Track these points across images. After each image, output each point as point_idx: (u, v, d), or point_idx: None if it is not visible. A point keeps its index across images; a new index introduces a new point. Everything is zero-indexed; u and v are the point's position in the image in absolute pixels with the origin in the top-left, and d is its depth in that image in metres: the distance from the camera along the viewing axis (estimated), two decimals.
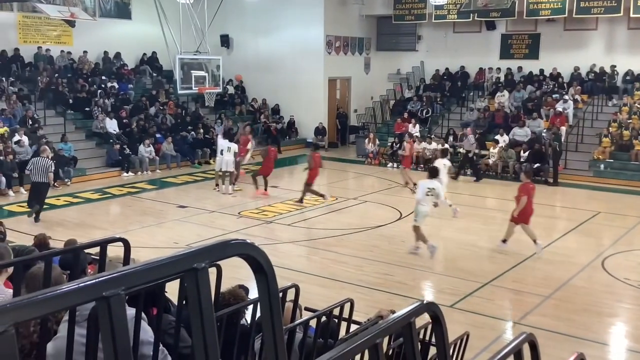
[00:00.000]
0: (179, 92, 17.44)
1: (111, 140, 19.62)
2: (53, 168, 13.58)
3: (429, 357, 4.86)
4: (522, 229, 11.38)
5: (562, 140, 19.77)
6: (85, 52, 22.58)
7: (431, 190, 11.03)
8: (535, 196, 11.43)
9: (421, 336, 4.72)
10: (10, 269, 3.52)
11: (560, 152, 18.80)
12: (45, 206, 13.76)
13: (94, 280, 1.16)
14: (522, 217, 11.26)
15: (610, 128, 19.78)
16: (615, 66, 21.83)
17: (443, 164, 14.22)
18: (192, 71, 16.17)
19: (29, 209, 13.44)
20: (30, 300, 1.08)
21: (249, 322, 3.91)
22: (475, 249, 11.87)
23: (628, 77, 21.78)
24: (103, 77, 22.42)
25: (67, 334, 2.24)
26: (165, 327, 3.00)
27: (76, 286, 1.15)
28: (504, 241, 11.51)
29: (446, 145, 18.35)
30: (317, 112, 24.86)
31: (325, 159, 22.95)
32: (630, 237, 12.78)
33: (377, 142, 21.95)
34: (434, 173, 11.54)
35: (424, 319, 1.84)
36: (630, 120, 19.55)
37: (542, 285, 9.81)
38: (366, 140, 21.92)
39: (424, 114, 23.43)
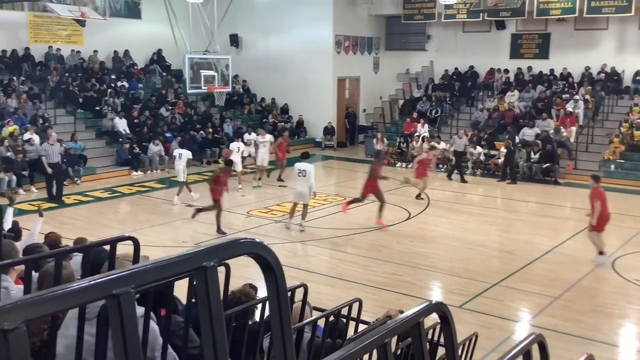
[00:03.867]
0: (188, 91, 17.50)
1: (121, 139, 19.71)
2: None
3: (438, 357, 4.84)
4: (590, 237, 10.88)
5: (572, 140, 19.70)
6: (95, 51, 22.68)
7: (302, 171, 12.60)
8: (549, 197, 11.30)
9: (429, 336, 4.71)
10: (20, 267, 3.54)
11: (554, 152, 18.69)
12: (55, 205, 13.87)
13: (104, 278, 1.17)
14: (600, 223, 10.70)
15: (621, 128, 19.66)
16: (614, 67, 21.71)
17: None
18: (201, 70, 16.21)
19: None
20: (41, 298, 1.08)
21: (257, 321, 3.92)
22: (484, 250, 11.84)
23: (639, 77, 21.64)
24: (113, 77, 22.52)
25: (77, 332, 2.25)
26: (174, 328, 3.01)
27: (86, 284, 1.15)
28: (601, 253, 10.78)
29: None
30: (326, 111, 24.86)
31: (334, 158, 23.04)
32: None
33: (386, 141, 21.92)
34: (305, 156, 13.35)
35: (433, 319, 1.84)
36: None
37: (552, 286, 9.76)
38: (374, 140, 21.89)
39: (433, 114, 23.38)
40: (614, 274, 10.43)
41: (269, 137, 18.16)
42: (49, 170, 15.71)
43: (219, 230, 12.43)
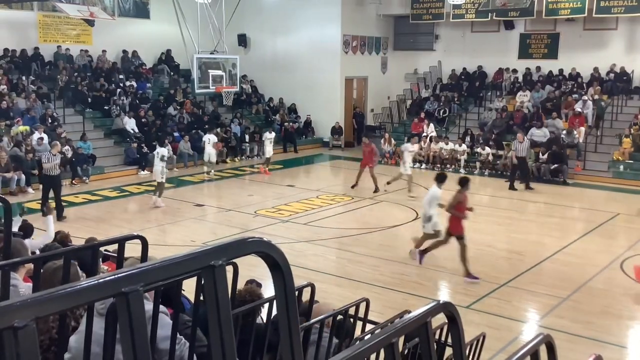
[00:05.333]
0: (197, 91, 17.54)
1: (129, 139, 19.79)
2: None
3: (445, 357, 4.84)
4: None
5: (580, 140, 19.61)
6: (104, 51, 22.77)
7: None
8: (558, 197, 11.23)
9: (437, 336, 4.70)
10: (29, 265, 3.56)
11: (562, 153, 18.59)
12: (64, 203, 13.93)
13: (113, 277, 1.18)
14: None
15: (631, 129, 19.54)
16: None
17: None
18: (209, 70, 16.24)
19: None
20: (51, 296, 1.09)
21: (264, 319, 3.92)
22: (492, 250, 11.80)
23: None
24: (121, 76, 22.60)
25: (86, 328, 2.27)
26: (181, 327, 3.02)
27: (96, 282, 1.16)
28: None
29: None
30: (334, 111, 24.86)
31: (342, 158, 23.03)
32: None
33: (393, 142, 21.90)
34: (440, 178, 10.92)
35: (440, 319, 1.84)
36: None
37: (560, 286, 9.72)
38: (382, 141, 21.87)
39: (441, 114, 23.34)
40: (623, 275, 10.37)
41: (417, 147, 17.74)
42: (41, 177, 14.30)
43: (469, 275, 9.88)
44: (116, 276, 1.18)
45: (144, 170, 19.07)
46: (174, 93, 23.24)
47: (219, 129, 21.60)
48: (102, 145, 19.90)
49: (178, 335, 2.72)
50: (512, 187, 17.41)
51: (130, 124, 20.41)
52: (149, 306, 2.26)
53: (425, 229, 10.75)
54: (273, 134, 19.83)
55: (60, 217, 13.15)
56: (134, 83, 22.62)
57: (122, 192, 16.77)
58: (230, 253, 1.34)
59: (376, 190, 16.38)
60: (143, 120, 20.84)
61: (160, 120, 21.35)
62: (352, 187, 16.95)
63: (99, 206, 15.26)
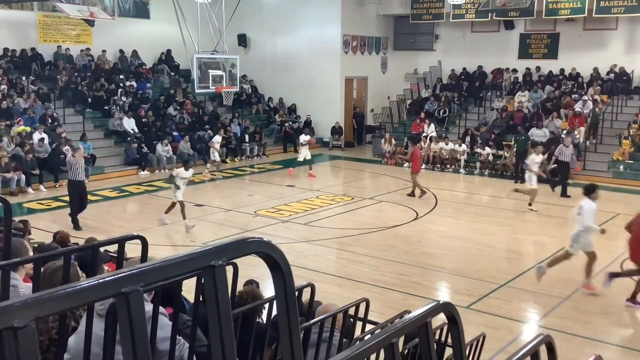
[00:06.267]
0: (197, 91, 17.55)
1: (129, 139, 19.78)
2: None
3: (445, 357, 4.84)
4: None
5: (580, 140, 19.61)
6: (104, 51, 22.78)
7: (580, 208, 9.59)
8: (558, 198, 11.06)
9: (437, 337, 4.70)
10: (29, 265, 3.56)
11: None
12: (64, 204, 13.93)
13: (113, 277, 1.18)
14: None
15: (630, 129, 19.55)
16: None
17: None
18: (209, 70, 16.24)
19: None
20: (51, 296, 1.09)
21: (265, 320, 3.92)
22: (492, 250, 11.80)
23: None
24: (121, 76, 22.60)
25: (85, 328, 2.27)
26: (181, 327, 3.02)
27: (95, 282, 1.16)
28: None
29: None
30: (334, 111, 24.86)
31: (342, 158, 23.03)
32: None
33: (394, 142, 21.90)
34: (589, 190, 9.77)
35: (440, 319, 1.84)
36: None
37: (560, 287, 9.71)
38: (382, 141, 21.88)
39: (441, 114, 23.34)
40: None
41: (541, 157, 15.81)
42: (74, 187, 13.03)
43: (633, 300, 9.03)
44: (116, 276, 1.18)
45: (144, 171, 19.07)
46: (174, 93, 23.23)
47: (222, 130, 21.40)
48: (102, 145, 19.90)
49: (177, 336, 2.72)
50: (555, 189, 16.44)
51: (130, 124, 20.41)
52: (148, 307, 2.26)
53: (572, 249, 9.57)
54: (308, 137, 19.48)
55: (77, 227, 12.46)
56: (134, 83, 22.62)
57: (122, 192, 16.77)
58: (230, 253, 1.34)
59: (416, 194, 15.98)
60: (143, 120, 20.84)
61: (160, 120, 21.34)
62: (420, 197, 15.97)
63: (99, 206, 15.25)
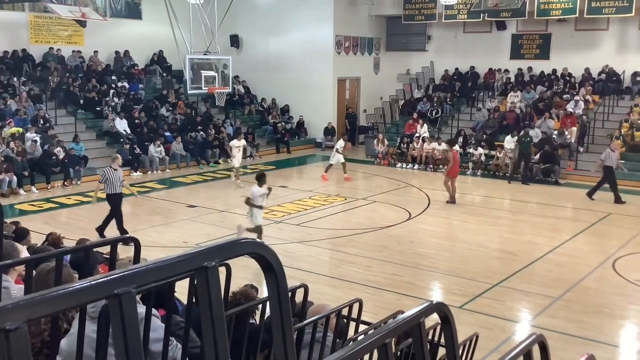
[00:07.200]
0: (189, 92, 17.52)
1: (121, 140, 19.72)
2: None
3: (438, 357, 4.84)
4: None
5: (572, 141, 19.69)
6: (96, 52, 22.69)
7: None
8: (550, 197, 11.18)
9: (430, 337, 4.71)
10: (20, 267, 3.54)
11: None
12: (56, 205, 13.85)
13: (105, 278, 1.17)
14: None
15: (621, 129, 19.65)
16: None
17: None
18: (202, 71, 16.22)
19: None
20: (43, 298, 1.08)
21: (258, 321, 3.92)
22: (484, 250, 11.83)
23: (638, 78, 21.63)
24: (113, 77, 22.53)
25: (78, 330, 2.26)
26: (174, 328, 3.01)
27: (88, 284, 1.15)
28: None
29: None
30: (327, 112, 24.87)
31: None
32: None
33: (386, 142, 21.93)
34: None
35: (434, 319, 1.84)
36: None
37: (552, 286, 9.76)
38: (375, 141, 21.90)
39: (433, 115, 23.39)
40: (615, 274, 10.43)
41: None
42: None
43: None
44: (108, 278, 1.17)
45: (136, 172, 19.01)
46: (167, 94, 23.18)
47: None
48: (94, 147, 19.81)
49: (170, 338, 2.72)
50: (590, 197, 15.94)
51: (122, 125, 20.34)
52: (140, 309, 2.25)
53: None
54: (342, 143, 18.72)
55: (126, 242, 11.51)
56: (126, 84, 22.55)
57: None
58: (223, 254, 1.33)
59: (452, 201, 15.49)
60: (136, 121, 20.78)
61: (153, 121, 21.29)
62: (448, 202, 15.55)
63: (92, 208, 15.16)
